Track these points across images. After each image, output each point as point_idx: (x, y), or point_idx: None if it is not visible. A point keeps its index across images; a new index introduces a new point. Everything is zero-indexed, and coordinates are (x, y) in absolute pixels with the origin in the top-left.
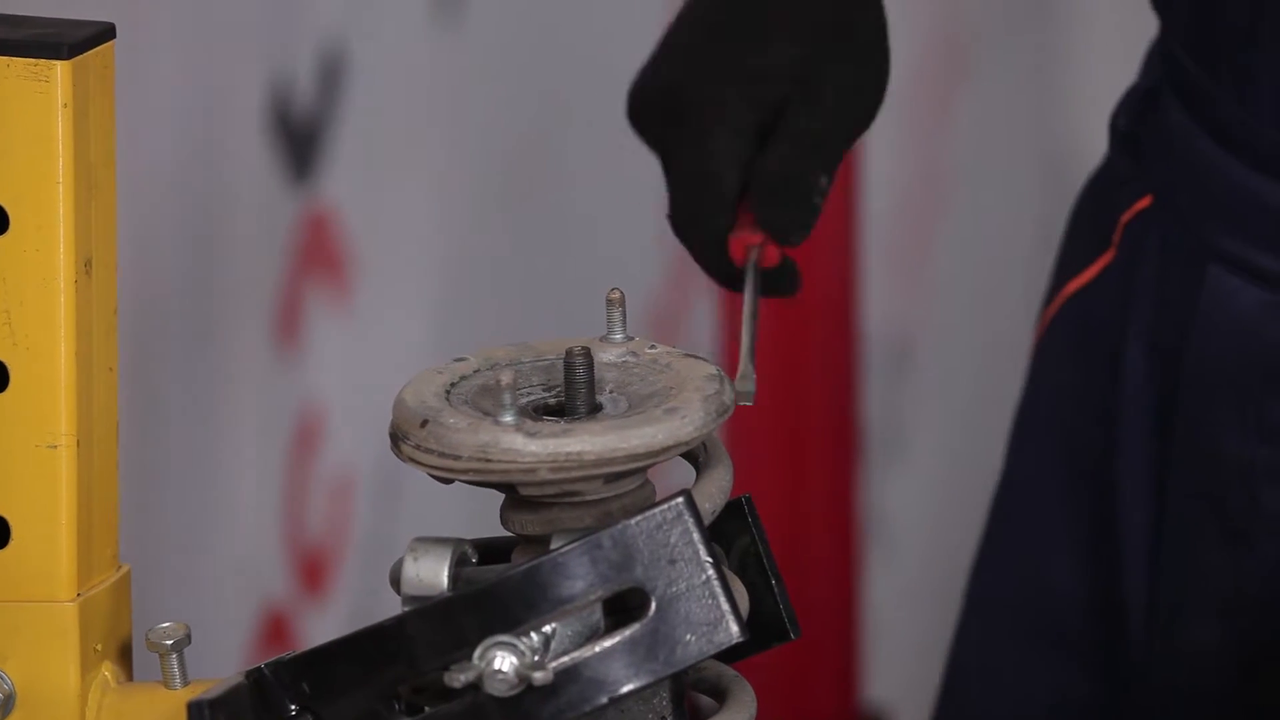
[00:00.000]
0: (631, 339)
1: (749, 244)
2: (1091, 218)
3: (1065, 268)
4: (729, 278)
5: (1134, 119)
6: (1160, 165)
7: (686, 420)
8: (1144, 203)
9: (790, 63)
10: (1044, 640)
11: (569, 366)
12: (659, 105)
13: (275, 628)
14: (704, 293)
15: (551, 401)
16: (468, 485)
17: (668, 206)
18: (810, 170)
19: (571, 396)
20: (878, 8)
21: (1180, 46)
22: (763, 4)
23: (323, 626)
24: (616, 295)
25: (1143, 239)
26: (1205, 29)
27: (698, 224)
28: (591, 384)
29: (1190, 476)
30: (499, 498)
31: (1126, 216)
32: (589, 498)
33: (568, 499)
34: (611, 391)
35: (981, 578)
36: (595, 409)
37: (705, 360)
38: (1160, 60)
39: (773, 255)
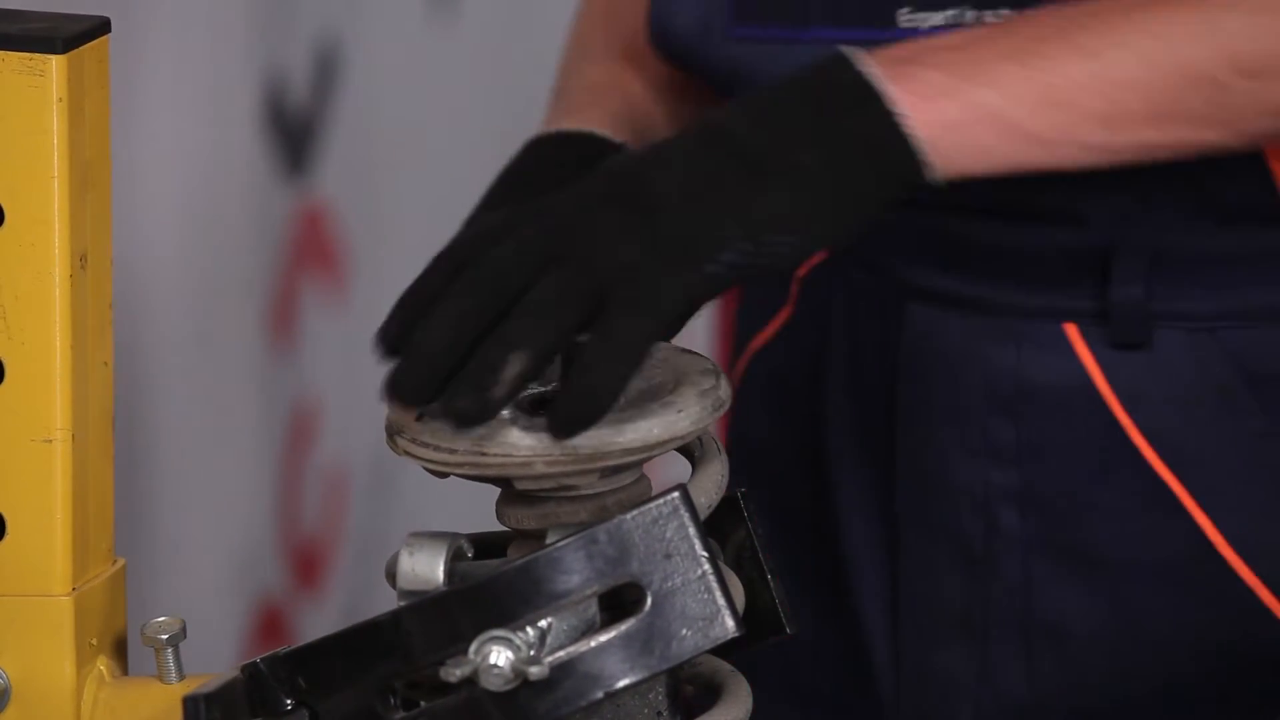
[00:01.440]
0: None
1: None
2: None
3: (745, 326)
4: None
5: None
6: None
7: (683, 415)
8: (818, 257)
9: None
10: (792, 696)
11: (565, 360)
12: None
13: (271, 622)
14: None
15: (549, 395)
16: (463, 480)
17: None
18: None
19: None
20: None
21: None
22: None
23: (318, 621)
24: None
25: (824, 291)
26: None
27: None
28: None
29: (922, 511)
30: (495, 492)
31: (802, 271)
32: (584, 492)
33: (563, 493)
34: None
35: None
36: None
37: (701, 356)
38: None
39: None
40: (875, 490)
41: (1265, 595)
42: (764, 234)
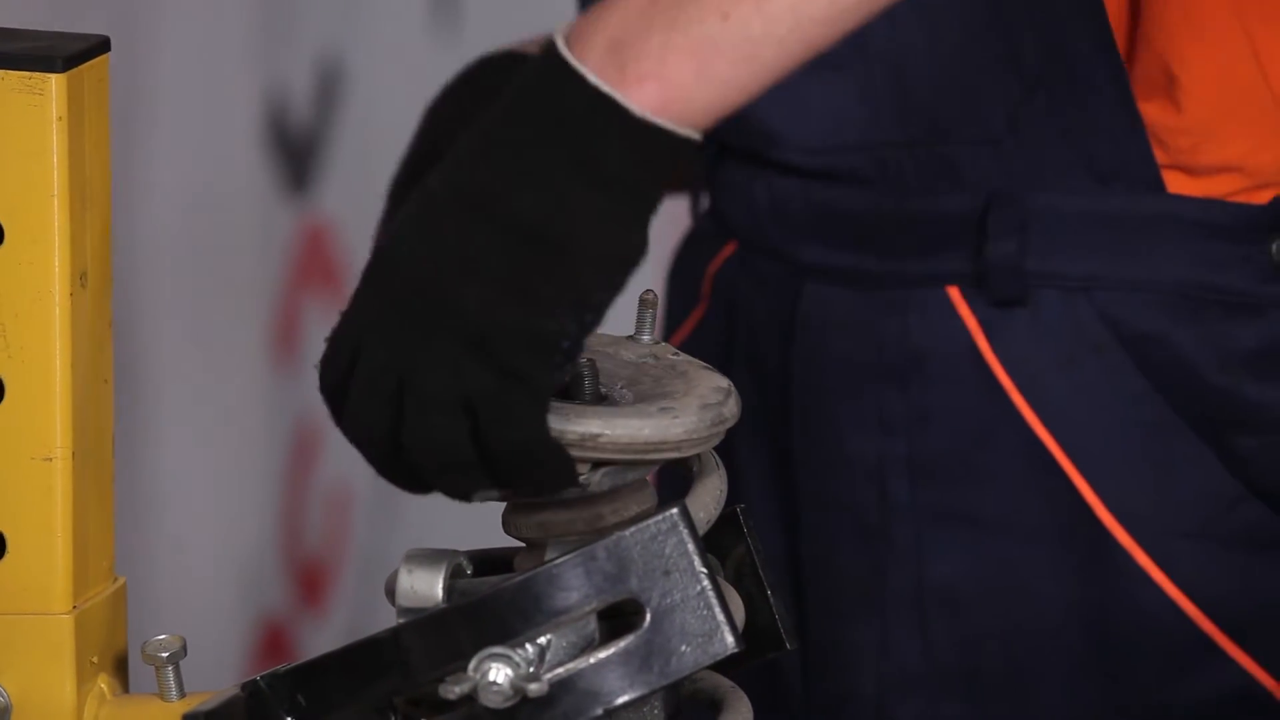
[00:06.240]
0: (658, 343)
1: None
2: (682, 276)
3: (667, 327)
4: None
5: (706, 177)
6: (737, 210)
7: (677, 421)
8: (728, 250)
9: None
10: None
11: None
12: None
13: (274, 640)
14: None
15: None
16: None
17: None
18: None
19: (575, 380)
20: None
21: None
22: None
23: (321, 639)
24: (650, 296)
25: (733, 283)
26: None
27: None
28: (595, 374)
29: (819, 486)
30: (495, 510)
31: (713, 267)
32: (575, 494)
33: (558, 499)
34: (621, 387)
35: None
36: (599, 399)
37: (718, 374)
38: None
39: None
40: (775, 471)
41: (1140, 557)
42: (588, 302)
